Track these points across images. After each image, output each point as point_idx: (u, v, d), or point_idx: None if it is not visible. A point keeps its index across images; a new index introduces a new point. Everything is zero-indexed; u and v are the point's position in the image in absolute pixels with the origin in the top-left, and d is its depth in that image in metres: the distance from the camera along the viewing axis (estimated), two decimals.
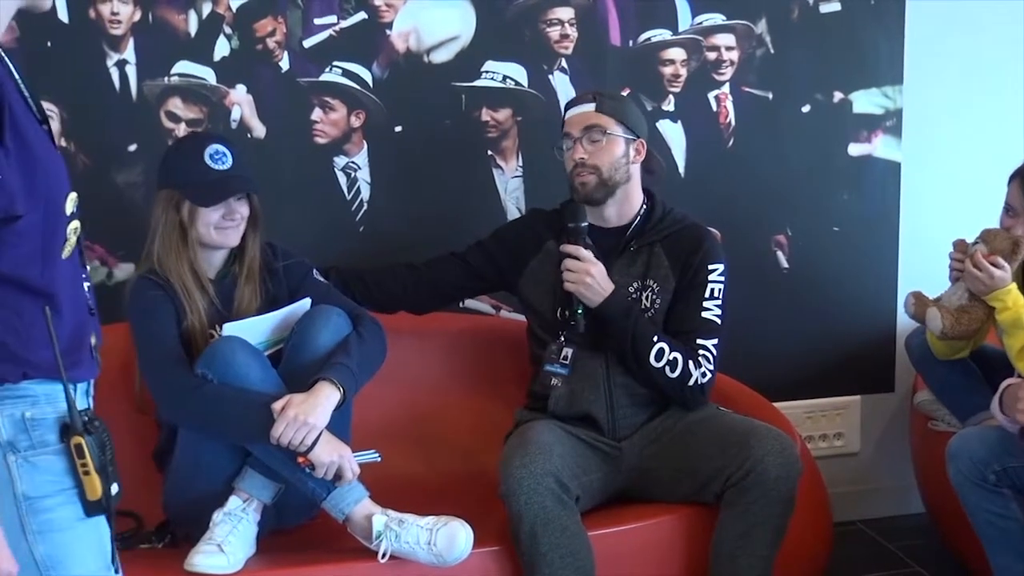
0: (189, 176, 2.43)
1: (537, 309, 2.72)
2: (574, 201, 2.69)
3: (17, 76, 1.57)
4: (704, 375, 2.60)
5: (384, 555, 2.30)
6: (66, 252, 1.62)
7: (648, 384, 2.62)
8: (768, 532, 2.44)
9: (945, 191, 3.39)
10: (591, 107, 2.65)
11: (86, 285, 1.69)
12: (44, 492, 1.60)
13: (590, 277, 2.57)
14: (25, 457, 1.58)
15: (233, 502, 2.36)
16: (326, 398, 2.31)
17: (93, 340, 1.69)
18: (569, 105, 2.73)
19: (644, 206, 2.72)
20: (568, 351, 2.64)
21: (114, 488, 1.64)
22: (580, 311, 2.60)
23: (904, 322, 3.36)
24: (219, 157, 2.44)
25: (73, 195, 1.63)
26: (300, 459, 2.30)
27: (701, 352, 2.61)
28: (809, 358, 3.40)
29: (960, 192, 3.36)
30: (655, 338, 2.58)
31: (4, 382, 1.56)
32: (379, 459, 2.43)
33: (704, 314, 2.63)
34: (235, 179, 2.45)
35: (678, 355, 2.58)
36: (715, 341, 2.63)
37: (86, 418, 1.62)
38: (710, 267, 2.66)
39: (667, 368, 2.58)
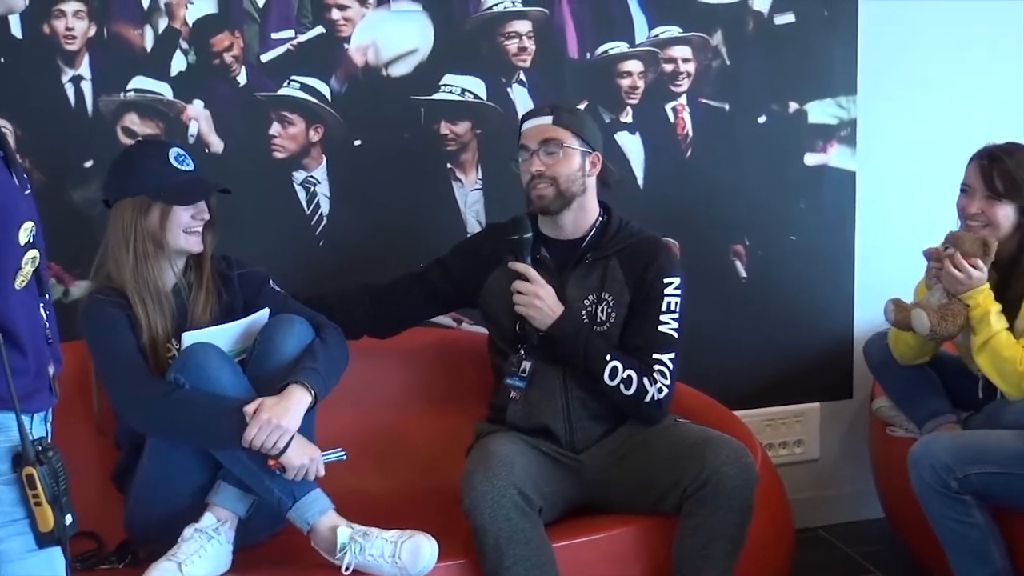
0: (160, 179, 2.43)
1: (497, 322, 2.73)
2: (525, 214, 2.71)
3: None
4: (660, 391, 2.60)
5: (348, 568, 2.29)
6: (19, 282, 1.58)
7: (606, 401, 2.63)
8: (727, 542, 2.45)
9: (899, 199, 3.43)
10: (548, 120, 2.66)
11: (45, 313, 1.65)
12: None
13: (539, 300, 2.59)
14: None
15: (207, 519, 2.34)
16: (298, 401, 2.32)
17: (52, 369, 1.66)
18: (526, 117, 2.74)
19: (600, 219, 2.74)
20: (527, 364, 2.65)
21: (67, 519, 1.61)
22: None
23: (861, 329, 3.41)
24: (183, 159, 2.47)
25: (28, 224, 1.59)
26: (271, 462, 2.30)
27: (656, 367, 2.60)
28: (768, 366, 3.42)
29: (914, 200, 3.40)
30: (608, 357, 2.58)
31: None
32: (345, 457, 2.44)
33: (660, 328, 2.63)
34: (205, 179, 2.49)
35: (632, 373, 2.58)
36: (672, 355, 2.63)
37: (39, 448, 1.58)
38: (665, 280, 2.66)
39: (622, 386, 2.58)
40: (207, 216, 2.49)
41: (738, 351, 3.36)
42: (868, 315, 3.41)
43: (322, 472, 2.36)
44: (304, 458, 2.31)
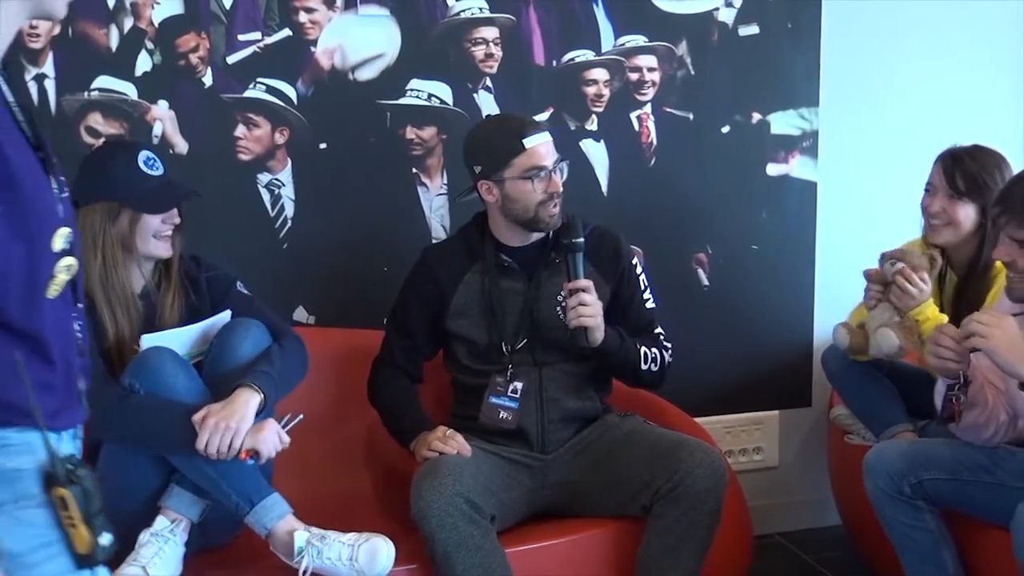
0: (130, 185, 2.41)
1: (471, 339, 2.70)
2: (482, 221, 2.72)
3: (12, 99, 1.48)
4: (671, 354, 2.77)
5: (305, 572, 2.29)
6: (52, 291, 1.50)
7: (635, 386, 2.78)
8: (696, 544, 2.48)
9: (859, 210, 3.47)
10: (550, 137, 2.66)
11: (77, 324, 1.58)
12: (30, 547, 1.48)
13: (599, 310, 2.60)
14: (8, 512, 1.47)
15: (160, 522, 2.33)
16: (246, 402, 2.32)
17: (82, 384, 1.59)
18: (526, 132, 2.61)
19: None
20: (518, 384, 2.65)
21: (106, 538, 1.52)
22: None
23: (820, 338, 3.44)
24: (152, 163, 2.45)
25: (64, 231, 1.51)
26: (242, 455, 2.30)
27: (661, 338, 2.77)
28: (729, 374, 3.45)
29: (873, 211, 3.45)
30: (637, 345, 2.69)
31: None
32: (302, 417, 2.46)
33: (647, 306, 2.78)
34: (175, 184, 2.48)
35: (655, 350, 2.72)
36: (658, 323, 2.78)
37: (70, 466, 1.50)
38: (632, 264, 2.77)
39: (652, 365, 2.71)
40: (177, 221, 2.49)
41: (699, 359, 3.37)
42: (827, 325, 3.41)
43: (286, 440, 2.38)
44: (264, 432, 2.33)
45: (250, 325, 2.48)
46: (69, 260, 1.53)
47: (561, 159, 2.66)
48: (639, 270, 2.79)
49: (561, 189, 2.64)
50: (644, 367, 2.70)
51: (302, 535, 2.31)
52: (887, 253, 2.79)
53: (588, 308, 2.57)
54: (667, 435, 2.64)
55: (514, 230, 2.68)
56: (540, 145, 2.62)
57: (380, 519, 2.52)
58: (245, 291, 2.61)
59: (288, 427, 2.42)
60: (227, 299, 2.56)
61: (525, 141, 2.60)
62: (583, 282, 2.59)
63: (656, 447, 2.57)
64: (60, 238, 1.51)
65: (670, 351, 2.77)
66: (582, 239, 2.62)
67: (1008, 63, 3.55)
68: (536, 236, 2.71)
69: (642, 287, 2.78)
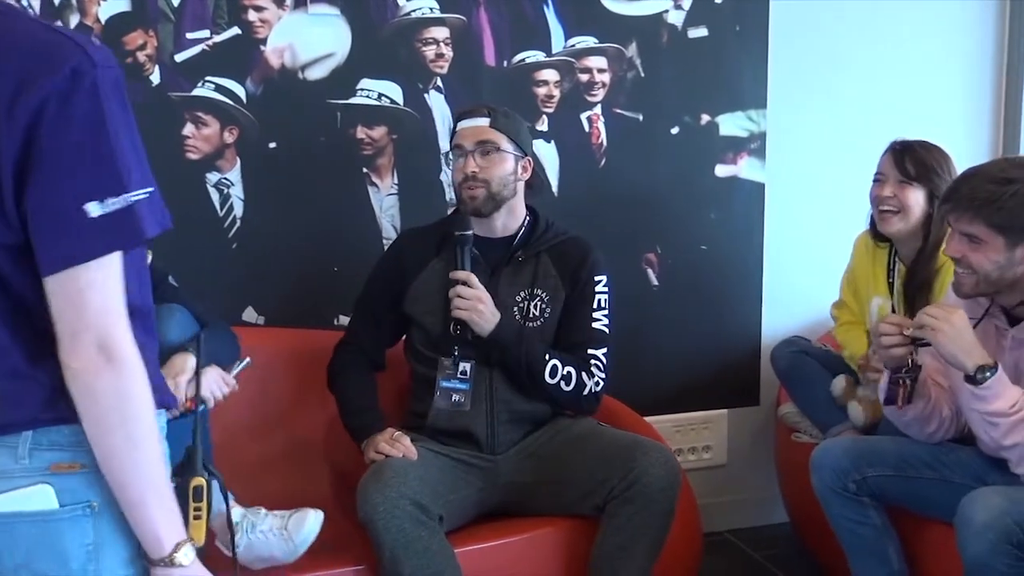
0: None
1: (425, 327, 2.72)
2: (459, 211, 2.72)
3: None
4: (597, 384, 2.69)
5: (240, 546, 2.31)
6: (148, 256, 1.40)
7: (543, 399, 2.68)
8: (648, 543, 2.50)
9: (806, 211, 3.51)
10: (485, 122, 2.68)
11: None
12: None
13: (482, 304, 2.60)
14: None
15: None
16: (183, 359, 2.38)
17: None
18: (461, 116, 2.74)
19: (528, 218, 2.77)
20: (466, 365, 2.65)
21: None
22: None
23: (769, 337, 3.48)
24: None
25: None
26: (188, 404, 2.31)
27: (592, 362, 2.69)
28: (678, 373, 3.47)
29: (821, 212, 3.49)
30: (547, 356, 2.63)
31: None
32: (248, 360, 2.54)
33: (594, 324, 2.72)
34: None
35: (571, 369, 2.65)
36: (604, 350, 2.72)
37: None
38: (596, 279, 2.74)
39: (562, 383, 2.64)
40: None
41: (649, 358, 3.41)
42: (775, 323, 3.49)
43: (232, 383, 2.46)
44: (212, 386, 2.41)
45: (174, 310, 2.49)
46: None
47: (487, 145, 2.65)
48: (600, 288, 2.74)
49: (470, 172, 2.64)
50: (551, 381, 2.64)
51: (238, 511, 2.35)
52: (874, 330, 2.71)
53: (462, 301, 2.59)
54: (621, 435, 2.65)
55: (473, 217, 2.70)
56: (467, 128, 2.69)
57: (331, 520, 2.51)
58: (172, 283, 2.62)
59: (234, 372, 2.44)
60: (157, 291, 2.56)
61: (458, 123, 2.72)
62: (461, 274, 2.62)
63: (610, 447, 2.58)
64: None
65: (600, 384, 2.70)
66: (469, 232, 2.64)
67: (955, 64, 3.61)
68: (501, 228, 2.72)
69: (595, 305, 2.73)
